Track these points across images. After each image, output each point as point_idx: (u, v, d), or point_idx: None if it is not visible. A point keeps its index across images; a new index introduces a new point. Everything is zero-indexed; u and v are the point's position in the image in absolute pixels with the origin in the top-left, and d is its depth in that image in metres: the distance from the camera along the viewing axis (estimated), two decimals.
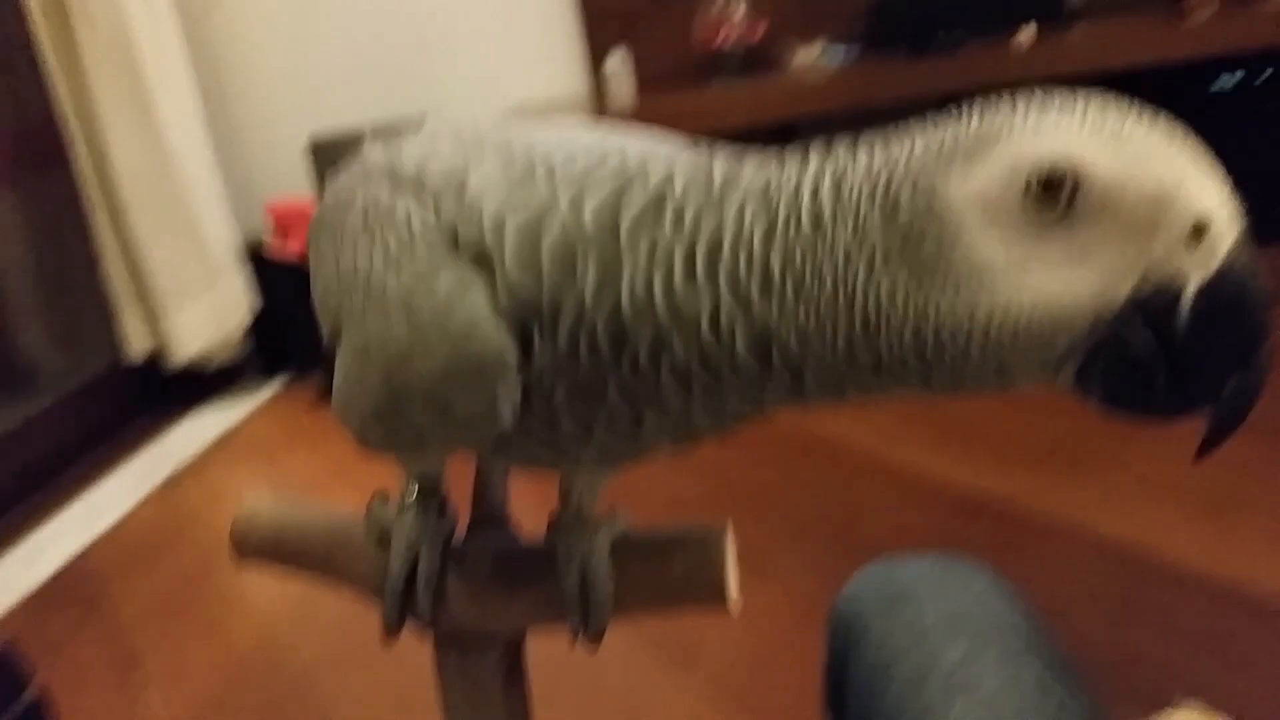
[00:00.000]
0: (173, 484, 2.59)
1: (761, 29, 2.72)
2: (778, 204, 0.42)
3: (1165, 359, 0.36)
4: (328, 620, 1.84)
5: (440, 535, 0.64)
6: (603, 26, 2.88)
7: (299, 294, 2.86)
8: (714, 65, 2.76)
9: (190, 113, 2.94)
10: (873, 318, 0.40)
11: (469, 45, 3.07)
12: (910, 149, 0.40)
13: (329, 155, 2.99)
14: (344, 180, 0.58)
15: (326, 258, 0.57)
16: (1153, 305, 0.36)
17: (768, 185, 0.43)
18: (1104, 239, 0.36)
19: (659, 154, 0.48)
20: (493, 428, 0.48)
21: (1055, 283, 0.37)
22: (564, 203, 0.46)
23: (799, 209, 0.41)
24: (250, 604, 1.97)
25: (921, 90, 2.35)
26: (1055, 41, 2.38)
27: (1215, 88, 2.38)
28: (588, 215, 0.46)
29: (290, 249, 2.91)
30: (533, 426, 0.50)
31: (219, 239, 2.95)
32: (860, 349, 0.41)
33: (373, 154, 0.57)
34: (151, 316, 2.93)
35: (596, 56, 2.91)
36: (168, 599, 2.06)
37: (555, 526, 0.63)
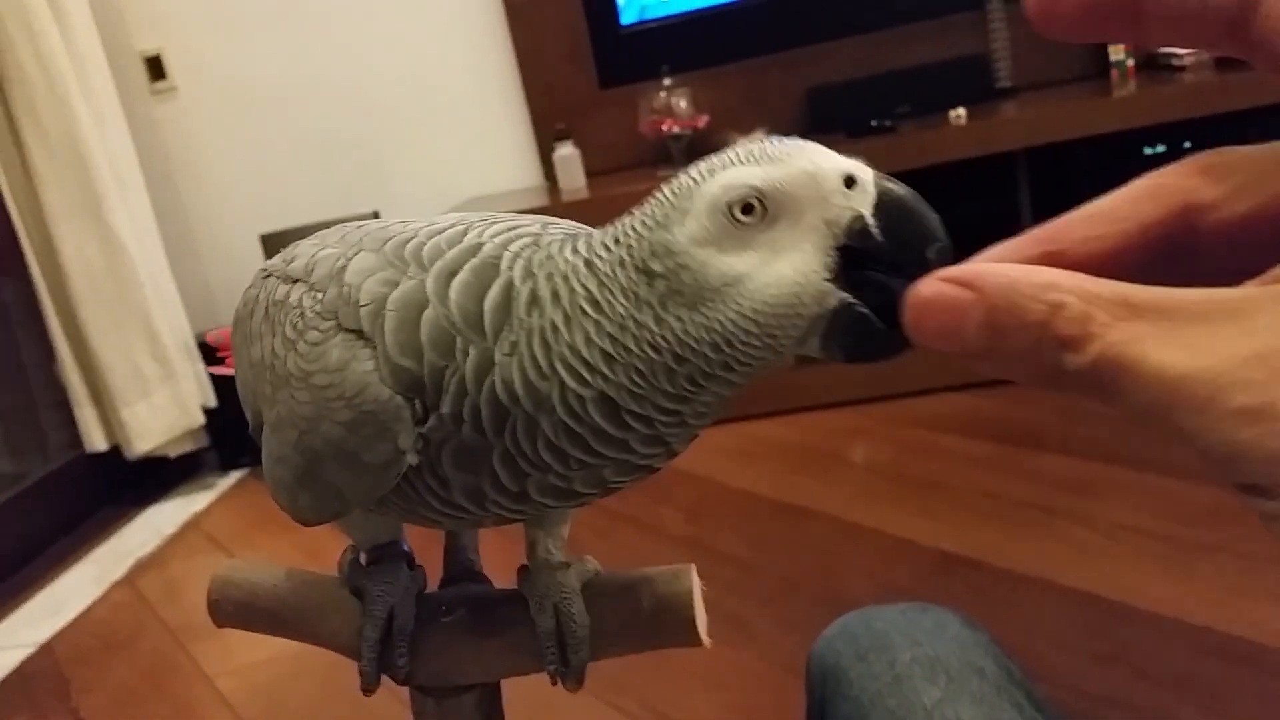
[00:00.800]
0: (134, 576, 2.57)
1: (704, 121, 2.84)
2: (573, 299, 0.51)
3: (874, 264, 0.46)
4: (296, 702, 1.83)
5: (412, 590, 0.67)
6: (551, 118, 2.98)
7: None
8: (660, 153, 2.87)
9: (142, 215, 2.99)
10: (680, 351, 0.49)
11: (421, 141, 3.16)
12: (631, 223, 0.50)
13: (280, 249, 3.04)
14: (249, 289, 0.66)
15: (240, 357, 0.65)
16: (851, 251, 0.47)
17: (563, 278, 0.52)
18: (795, 223, 0.47)
19: (501, 238, 0.56)
20: (399, 470, 0.54)
21: (779, 262, 0.47)
22: (431, 289, 0.54)
23: (586, 298, 0.51)
24: (217, 690, 1.95)
25: None
26: (987, 118, 2.51)
27: (1149, 150, 2.47)
28: (454, 305, 0.53)
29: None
30: (430, 487, 0.56)
31: (172, 336, 2.98)
32: (683, 380, 0.50)
33: (271, 261, 0.65)
34: (106, 412, 2.93)
35: (546, 147, 3.01)
36: (131, 691, 2.03)
37: (525, 573, 0.66)
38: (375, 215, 3.05)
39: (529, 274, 0.53)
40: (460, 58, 3.09)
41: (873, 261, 0.46)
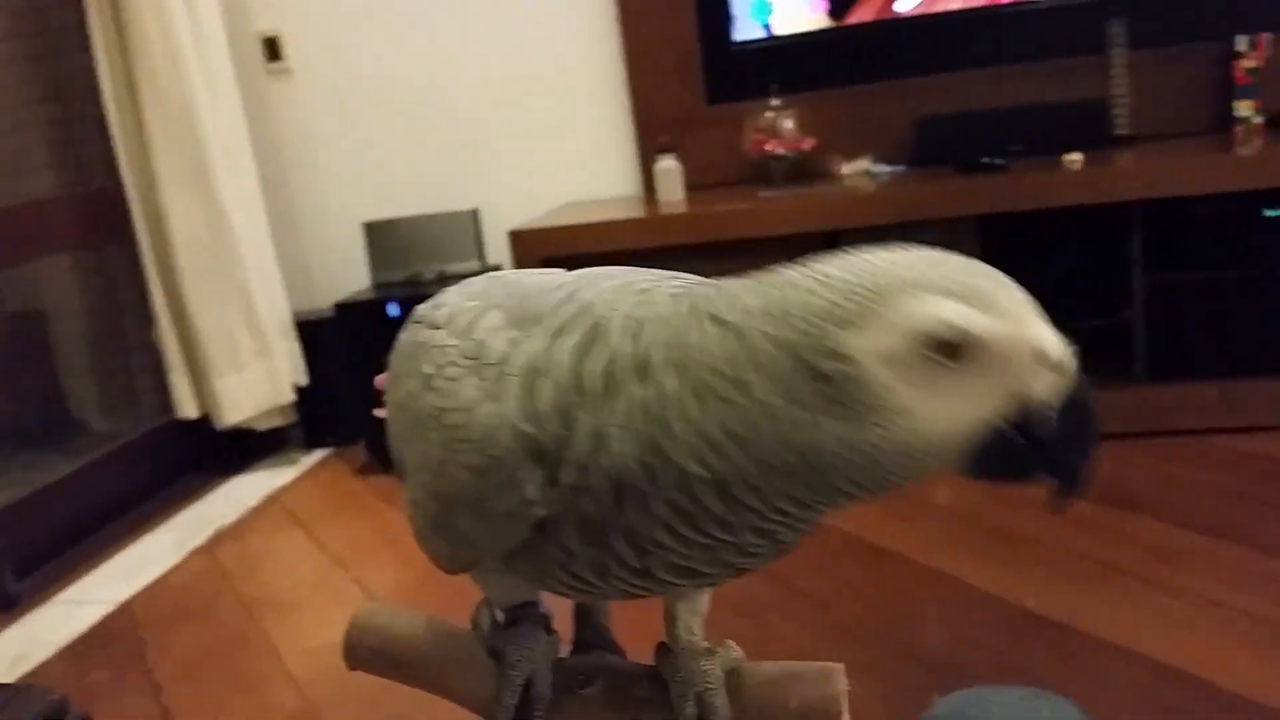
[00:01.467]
0: (213, 545, 2.64)
1: (809, 143, 2.81)
2: (700, 371, 0.50)
3: (1031, 450, 0.49)
4: (365, 690, 1.86)
5: (550, 657, 0.67)
6: (655, 129, 2.98)
7: (345, 370, 2.96)
8: (762, 172, 2.86)
9: (249, 191, 3.06)
10: (825, 459, 0.49)
11: (523, 142, 3.18)
12: (797, 305, 0.49)
13: (383, 237, 3.10)
14: (401, 336, 0.69)
15: (391, 401, 0.67)
16: (1019, 415, 0.49)
17: (685, 346, 0.51)
18: (982, 376, 0.48)
19: (622, 302, 0.56)
20: (526, 520, 0.54)
21: (953, 409, 0.48)
22: (545, 349, 0.54)
23: (719, 374, 0.49)
24: (288, 668, 1.99)
25: (969, 207, 2.43)
26: (1104, 165, 2.45)
27: (1270, 213, 2.39)
28: (569, 369, 0.53)
29: None
30: (557, 557, 0.56)
31: (270, 313, 3.04)
32: (810, 487, 0.50)
33: (421, 308, 0.68)
34: (199, 381, 3.01)
35: (648, 159, 3.01)
36: (206, 657, 2.09)
37: (665, 651, 0.66)
38: (474, 212, 3.08)
39: (636, 334, 0.52)
40: (570, 62, 3.10)
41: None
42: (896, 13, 2.79)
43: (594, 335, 0.53)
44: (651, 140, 2.98)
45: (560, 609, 0.72)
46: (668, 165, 2.84)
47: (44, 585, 2.52)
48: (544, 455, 0.53)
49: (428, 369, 0.59)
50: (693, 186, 2.88)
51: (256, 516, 2.80)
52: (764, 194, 2.72)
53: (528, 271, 0.66)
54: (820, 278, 0.50)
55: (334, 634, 2.33)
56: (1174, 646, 1.68)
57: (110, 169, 2.94)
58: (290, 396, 3.09)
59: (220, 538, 2.69)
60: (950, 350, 0.47)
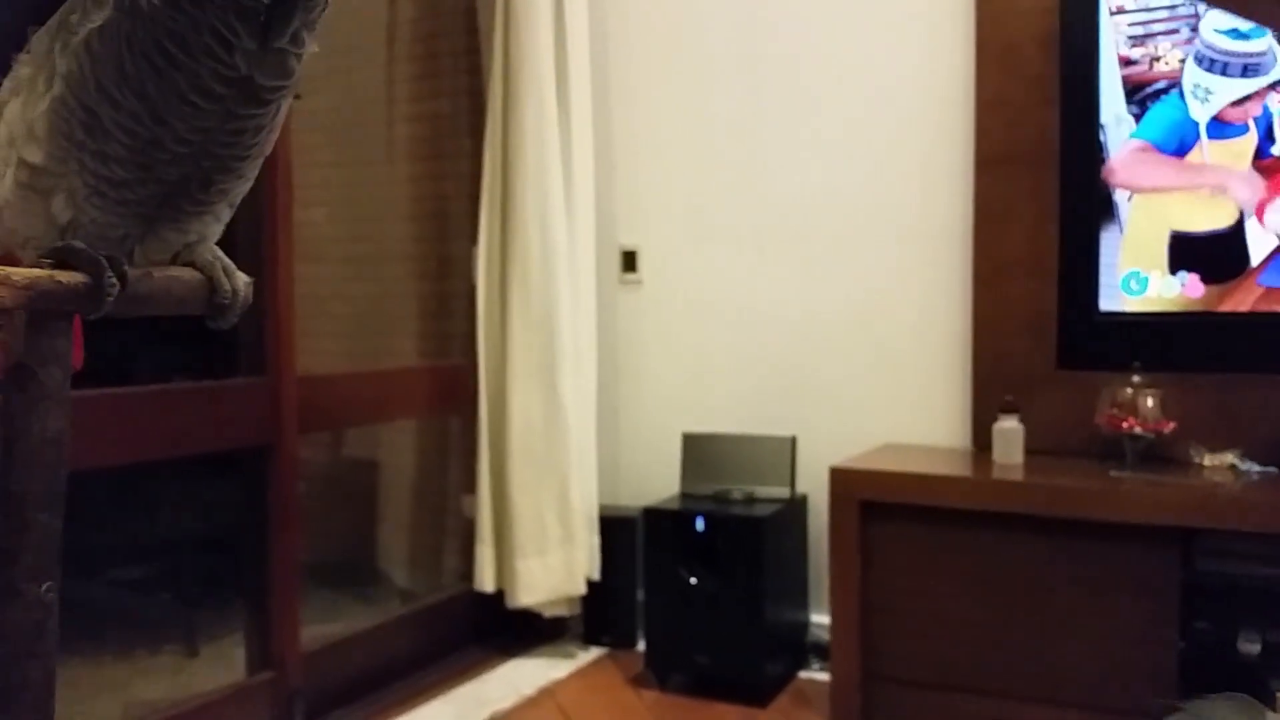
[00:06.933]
0: None
1: (1170, 426, 2.62)
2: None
3: None
4: None
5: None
6: (994, 387, 2.89)
7: (635, 571, 2.93)
8: (1112, 449, 2.67)
9: (587, 389, 3.23)
10: None
11: (851, 378, 3.18)
12: None
13: (699, 450, 3.15)
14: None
15: None
16: None
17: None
18: None
19: None
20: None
21: None
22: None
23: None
24: None
25: None
26: None
27: None
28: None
29: None
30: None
31: (581, 504, 3.13)
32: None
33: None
34: (503, 559, 3.11)
35: (981, 413, 2.91)
36: None
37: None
38: (792, 439, 3.08)
39: None
40: (911, 312, 3.11)
41: None
42: (1276, 308, 2.61)
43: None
44: (988, 394, 2.89)
45: None
46: (1009, 426, 2.73)
47: None
48: None
49: None
50: (1031, 450, 2.74)
51: (531, 706, 2.79)
52: (1116, 474, 2.54)
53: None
54: None
55: None
56: None
57: (469, 346, 3.20)
58: (583, 589, 3.13)
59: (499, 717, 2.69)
60: None
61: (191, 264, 0.85)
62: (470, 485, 3.19)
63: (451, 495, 3.41)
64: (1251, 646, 2.45)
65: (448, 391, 3.28)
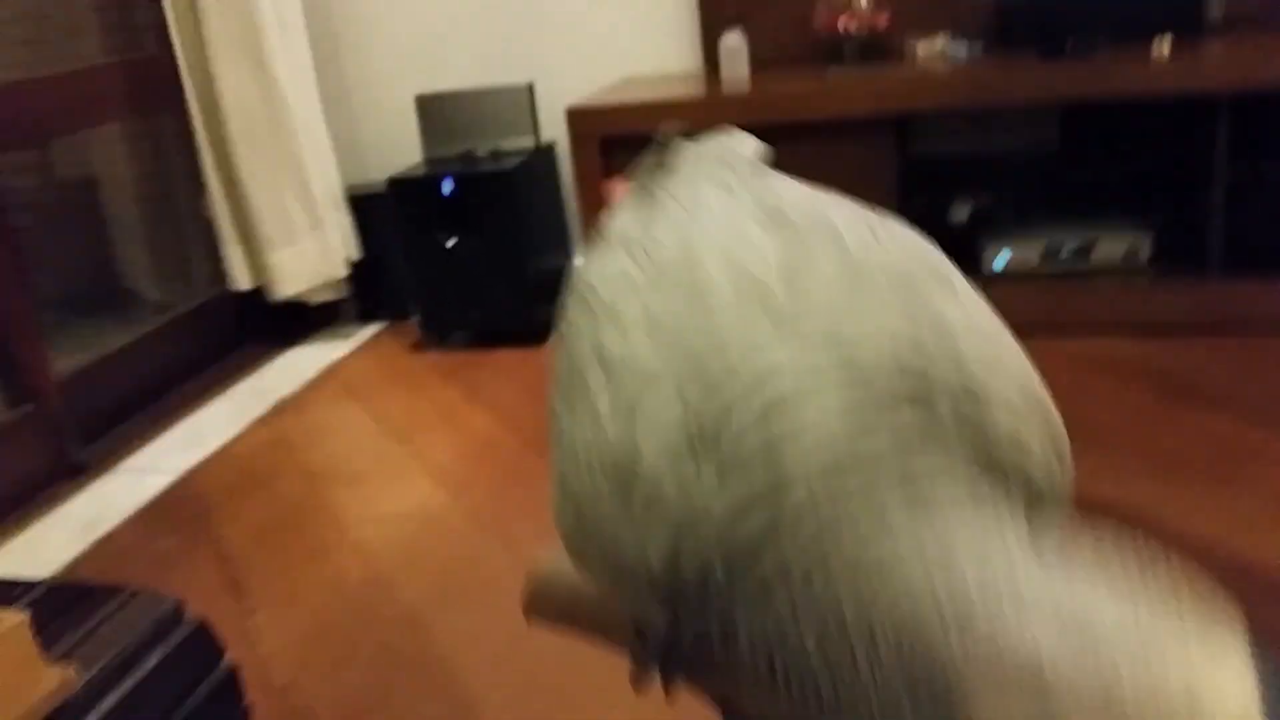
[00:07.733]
0: (272, 416, 2.67)
1: (884, 19, 2.70)
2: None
3: None
4: (433, 560, 1.90)
5: None
6: (720, 4, 2.87)
7: (397, 244, 2.94)
8: (832, 50, 2.75)
9: (301, 62, 2.99)
10: None
11: (580, 13, 3.07)
12: None
13: (435, 112, 3.03)
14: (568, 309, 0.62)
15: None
16: None
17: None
18: None
19: None
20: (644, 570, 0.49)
21: None
22: (713, 510, 0.47)
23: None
24: (355, 537, 2.03)
25: (1049, 93, 2.33)
26: (1194, 54, 2.34)
27: None
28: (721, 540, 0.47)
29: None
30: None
31: (322, 187, 3.01)
32: None
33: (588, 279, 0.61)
34: (254, 255, 3.00)
35: (710, 33, 2.90)
36: (273, 526, 2.13)
37: None
38: (529, 86, 3.00)
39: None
40: None
41: None
42: None
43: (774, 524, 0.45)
44: (716, 13, 2.87)
45: None
46: (733, 41, 2.74)
47: (108, 453, 2.57)
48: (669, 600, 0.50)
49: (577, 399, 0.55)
50: (758, 64, 2.79)
51: (314, 389, 2.83)
52: (833, 72, 2.63)
53: (713, 245, 0.57)
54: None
55: (398, 504, 2.38)
56: (1247, 543, 1.67)
57: (161, 35, 2.87)
58: (343, 270, 3.08)
59: (280, 409, 2.72)
60: None
61: None
62: (201, 187, 2.99)
63: (184, 199, 3.19)
64: (962, 214, 2.72)
65: (149, 87, 2.97)
